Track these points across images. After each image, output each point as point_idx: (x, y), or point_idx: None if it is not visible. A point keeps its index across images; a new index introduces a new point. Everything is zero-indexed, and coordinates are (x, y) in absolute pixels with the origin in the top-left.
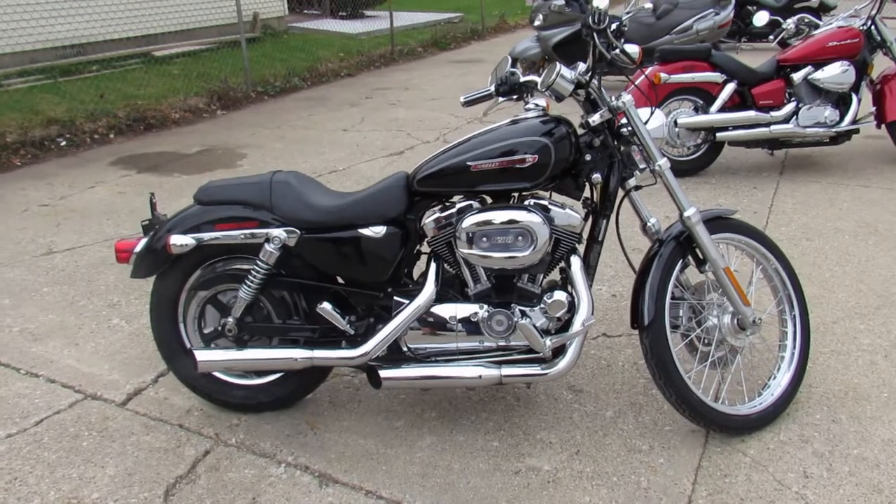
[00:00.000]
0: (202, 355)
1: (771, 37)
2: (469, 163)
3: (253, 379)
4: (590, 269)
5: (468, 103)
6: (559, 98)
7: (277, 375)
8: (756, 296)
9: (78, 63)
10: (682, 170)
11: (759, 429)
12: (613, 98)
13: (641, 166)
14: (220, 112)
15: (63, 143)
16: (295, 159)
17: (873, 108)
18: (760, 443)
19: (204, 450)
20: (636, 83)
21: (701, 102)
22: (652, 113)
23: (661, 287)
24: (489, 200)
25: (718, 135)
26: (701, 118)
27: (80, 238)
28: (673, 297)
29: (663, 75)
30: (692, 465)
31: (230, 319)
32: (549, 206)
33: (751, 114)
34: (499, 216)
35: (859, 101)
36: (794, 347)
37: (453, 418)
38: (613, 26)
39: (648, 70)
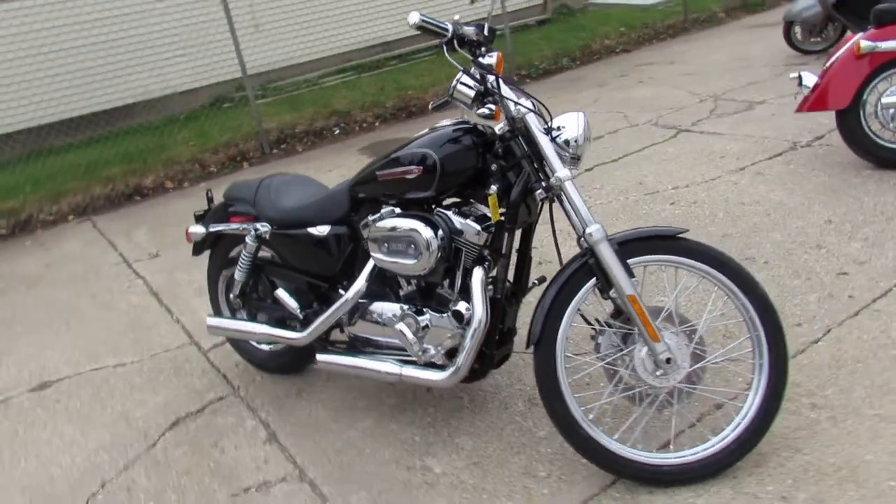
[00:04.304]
0: (211, 321)
1: None
2: (377, 172)
3: (265, 346)
4: (499, 282)
5: (435, 109)
6: (469, 107)
7: (280, 346)
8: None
9: (381, 59)
10: None
11: (673, 484)
12: (519, 107)
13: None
14: None
15: (336, 132)
16: None
17: None
18: (671, 500)
19: (219, 396)
20: (837, 55)
21: None
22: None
23: (557, 305)
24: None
25: None
26: None
27: None
28: (602, 323)
29: (865, 43)
30: None
31: (231, 295)
32: (449, 216)
33: None
34: (391, 224)
35: None
36: (752, 403)
37: (401, 408)
38: (471, 33)
39: (857, 36)
